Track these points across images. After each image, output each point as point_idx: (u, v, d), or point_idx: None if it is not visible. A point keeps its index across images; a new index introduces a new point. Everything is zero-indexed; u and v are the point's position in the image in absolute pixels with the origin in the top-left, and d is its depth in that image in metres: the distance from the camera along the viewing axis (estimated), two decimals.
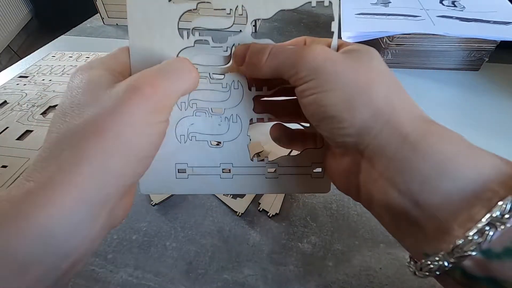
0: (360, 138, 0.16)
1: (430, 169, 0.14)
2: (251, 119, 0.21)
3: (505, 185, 0.13)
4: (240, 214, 0.30)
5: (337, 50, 0.19)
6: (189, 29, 0.19)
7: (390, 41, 0.47)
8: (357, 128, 0.16)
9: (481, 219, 0.13)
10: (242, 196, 0.31)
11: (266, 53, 0.18)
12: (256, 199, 0.31)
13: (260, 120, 0.22)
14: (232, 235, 0.29)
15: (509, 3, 0.49)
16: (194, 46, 0.20)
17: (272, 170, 0.22)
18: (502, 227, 0.12)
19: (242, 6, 0.19)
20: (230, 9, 0.19)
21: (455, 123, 0.40)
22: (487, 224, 0.12)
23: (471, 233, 0.13)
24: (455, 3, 0.51)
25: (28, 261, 0.13)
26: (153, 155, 0.17)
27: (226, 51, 0.20)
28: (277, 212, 0.30)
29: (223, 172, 0.22)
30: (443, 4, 0.50)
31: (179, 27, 0.19)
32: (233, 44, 0.20)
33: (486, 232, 0.12)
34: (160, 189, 0.22)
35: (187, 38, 0.19)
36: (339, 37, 0.20)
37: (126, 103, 0.15)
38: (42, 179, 0.14)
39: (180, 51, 0.20)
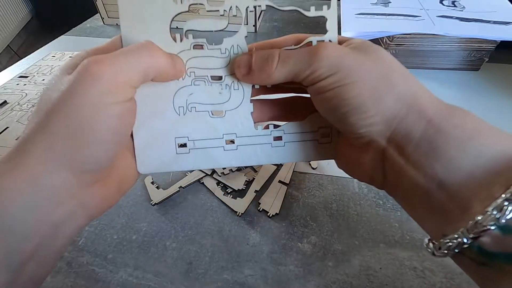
0: (386, 125, 0.17)
1: (453, 149, 0.15)
2: (254, 85, 0.20)
3: None
4: (240, 214, 0.30)
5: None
6: (182, 32, 0.19)
7: (390, 41, 0.47)
8: (382, 115, 0.16)
9: (500, 195, 0.13)
10: (242, 196, 0.31)
11: (275, 59, 0.18)
12: (256, 199, 0.31)
13: (263, 85, 0.21)
14: (232, 235, 0.29)
15: (509, 3, 0.49)
16: (190, 49, 0.19)
17: (278, 136, 0.21)
18: None
19: (236, 7, 0.19)
20: (224, 10, 0.19)
21: None
22: (506, 200, 0.13)
23: (490, 209, 0.13)
24: (455, 3, 0.51)
25: None
26: (113, 140, 0.16)
27: (224, 53, 0.19)
28: (277, 212, 0.30)
29: (226, 143, 0.21)
30: (443, 4, 0.50)
31: (174, 27, 0.19)
32: (231, 46, 0.19)
33: (505, 207, 0.13)
34: (159, 167, 0.21)
35: (180, 41, 0.19)
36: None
37: (73, 84, 0.15)
38: (1, 164, 0.15)
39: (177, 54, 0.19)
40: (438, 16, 0.47)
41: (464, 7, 0.49)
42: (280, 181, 0.33)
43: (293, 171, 0.34)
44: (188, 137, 0.20)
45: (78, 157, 0.15)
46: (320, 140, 0.21)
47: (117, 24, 0.67)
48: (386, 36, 0.47)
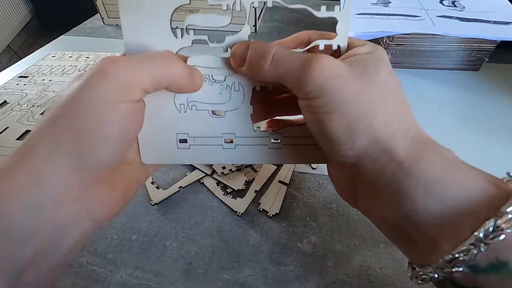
0: (358, 161, 0.17)
1: (421, 192, 0.15)
2: (254, 88, 0.20)
3: (490, 205, 0.14)
4: (240, 214, 0.30)
5: (346, 49, 0.19)
6: (183, 28, 0.18)
7: (390, 41, 0.47)
8: (356, 152, 0.16)
9: (467, 239, 0.14)
10: (242, 196, 0.31)
11: (269, 58, 0.17)
12: (256, 199, 0.31)
13: (264, 88, 0.20)
14: (232, 235, 0.29)
15: (509, 3, 0.49)
16: (192, 46, 0.19)
17: (276, 140, 0.21)
18: (486, 247, 0.13)
19: (241, 1, 0.18)
20: (227, 5, 0.18)
21: (455, 123, 0.40)
22: (472, 244, 0.13)
23: (457, 251, 0.14)
24: (455, 3, 0.50)
25: None
26: (119, 139, 0.16)
27: (227, 51, 0.19)
28: (277, 212, 0.30)
29: (225, 142, 0.21)
30: (443, 4, 0.50)
31: (175, 26, 0.18)
32: (234, 45, 0.19)
33: (472, 251, 0.13)
34: (161, 159, 0.21)
35: (181, 37, 0.18)
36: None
37: (86, 80, 0.15)
38: (4, 164, 0.14)
39: (177, 52, 0.19)
40: (438, 16, 0.47)
41: (464, 7, 0.49)
42: (280, 181, 0.33)
43: (293, 171, 0.34)
44: (188, 133, 0.21)
45: (84, 154, 0.15)
46: (317, 145, 0.21)
47: (117, 24, 0.67)
48: (386, 36, 0.47)
